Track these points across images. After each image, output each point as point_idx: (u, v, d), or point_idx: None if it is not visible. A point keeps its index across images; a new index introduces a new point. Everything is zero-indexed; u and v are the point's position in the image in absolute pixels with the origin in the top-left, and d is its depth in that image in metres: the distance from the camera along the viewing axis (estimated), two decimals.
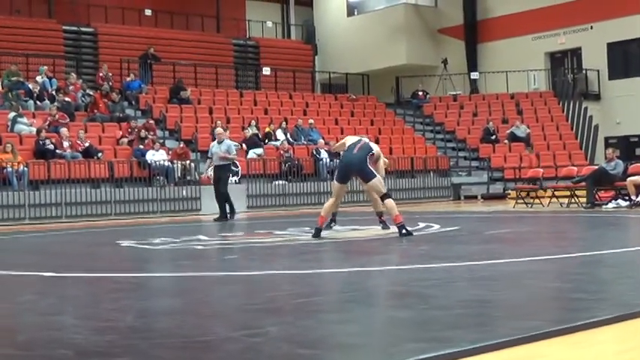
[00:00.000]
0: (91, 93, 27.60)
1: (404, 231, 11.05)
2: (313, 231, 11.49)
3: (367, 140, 12.02)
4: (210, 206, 22.87)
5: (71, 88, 27.44)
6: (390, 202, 11.37)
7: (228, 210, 18.54)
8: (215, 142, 18.75)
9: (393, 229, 11.44)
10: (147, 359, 3.99)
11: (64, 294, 6.79)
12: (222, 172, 18.51)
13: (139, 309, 5.66)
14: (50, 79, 27.43)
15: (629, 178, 18.18)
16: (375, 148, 12.08)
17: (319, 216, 11.55)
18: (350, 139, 12.04)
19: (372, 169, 11.52)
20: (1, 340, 4.80)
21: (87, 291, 6.99)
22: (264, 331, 4.58)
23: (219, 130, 19.21)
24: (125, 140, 24.39)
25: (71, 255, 11.40)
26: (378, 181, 11.51)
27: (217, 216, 18.63)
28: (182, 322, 5.11)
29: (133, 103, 28.66)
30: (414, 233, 11.27)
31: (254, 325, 4.78)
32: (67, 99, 26.17)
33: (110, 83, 28.45)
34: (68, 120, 24.56)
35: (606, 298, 5.46)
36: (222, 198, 18.50)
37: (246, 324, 4.88)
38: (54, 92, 26.48)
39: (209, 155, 18.75)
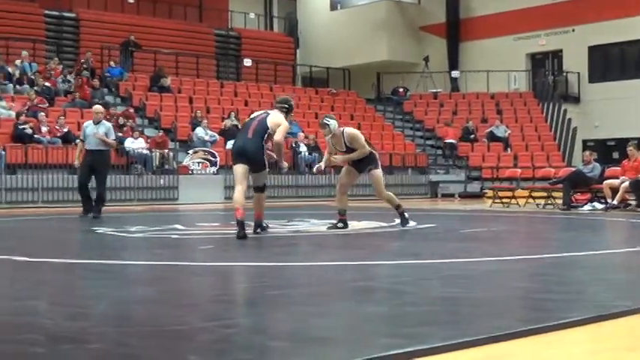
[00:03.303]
0: (71, 79, 27.46)
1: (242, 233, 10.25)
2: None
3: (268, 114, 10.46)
4: (187, 195, 22.88)
5: (52, 73, 27.29)
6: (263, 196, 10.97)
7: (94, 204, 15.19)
8: (91, 122, 15.40)
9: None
10: (118, 347, 3.97)
11: (37, 279, 6.74)
12: (102, 160, 15.21)
13: (112, 296, 5.63)
14: (30, 63, 27.28)
15: (605, 182, 18.28)
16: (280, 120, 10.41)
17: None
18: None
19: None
20: None
21: (61, 277, 6.95)
22: (236, 322, 4.57)
23: (98, 107, 16.12)
24: None
25: (46, 240, 11.34)
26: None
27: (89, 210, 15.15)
28: (155, 311, 5.09)
29: (113, 90, 28.55)
30: (392, 230, 11.24)
31: (227, 316, 4.77)
32: (47, 84, 26.02)
33: (88, 65, 28.33)
34: (47, 105, 24.45)
35: (579, 299, 5.47)
36: (101, 190, 15.21)
37: (219, 315, 4.86)
38: (33, 76, 26.32)
39: (81, 138, 15.47)
